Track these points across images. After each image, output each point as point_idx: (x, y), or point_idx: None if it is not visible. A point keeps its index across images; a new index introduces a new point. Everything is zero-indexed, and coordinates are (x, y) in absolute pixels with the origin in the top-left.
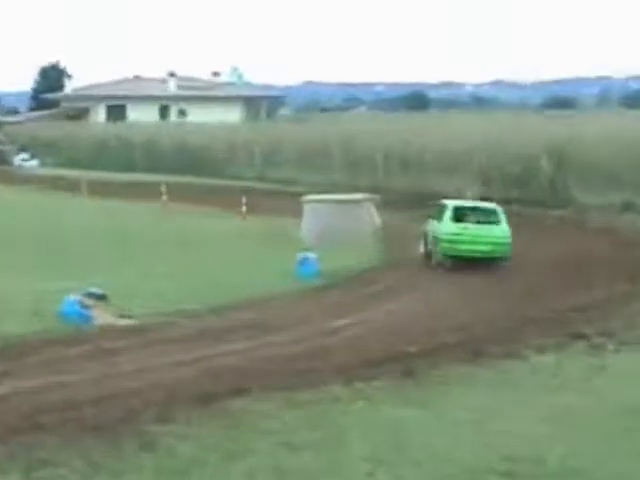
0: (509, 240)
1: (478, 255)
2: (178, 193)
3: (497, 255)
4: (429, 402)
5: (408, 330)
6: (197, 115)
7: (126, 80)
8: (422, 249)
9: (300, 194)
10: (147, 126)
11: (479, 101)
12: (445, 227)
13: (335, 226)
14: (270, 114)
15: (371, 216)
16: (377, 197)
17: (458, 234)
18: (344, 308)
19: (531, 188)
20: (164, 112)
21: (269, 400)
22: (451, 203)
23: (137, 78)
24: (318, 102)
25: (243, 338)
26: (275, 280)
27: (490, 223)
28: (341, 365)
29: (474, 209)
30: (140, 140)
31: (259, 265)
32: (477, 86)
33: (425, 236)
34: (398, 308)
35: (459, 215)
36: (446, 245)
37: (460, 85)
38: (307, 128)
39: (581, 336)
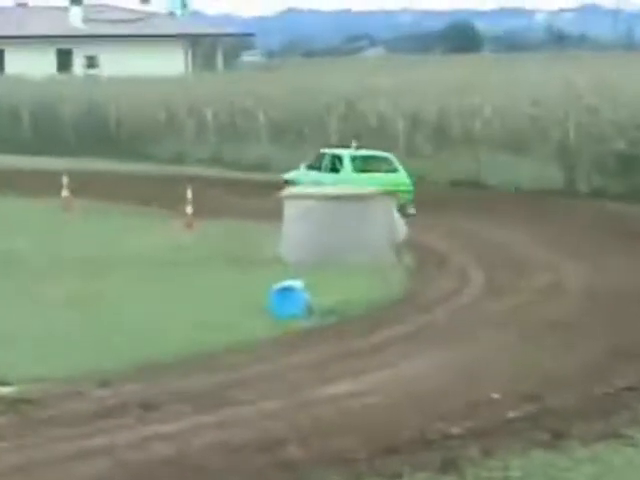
0: (412, 187)
1: None
2: (87, 185)
3: (403, 203)
4: None
5: (445, 399)
6: (116, 65)
7: (5, 10)
8: None
9: (277, 185)
10: (38, 82)
11: (558, 37)
12: (349, 177)
13: (333, 236)
14: (230, 61)
15: (390, 219)
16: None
17: (365, 184)
18: (347, 365)
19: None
20: (64, 60)
21: None
22: (345, 152)
23: (22, 7)
24: (304, 42)
25: (185, 415)
26: (239, 322)
27: (388, 171)
28: (343, 453)
29: (368, 158)
30: (28, 104)
31: (214, 299)
32: (554, 14)
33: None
34: (429, 365)
35: (357, 165)
36: None
37: (529, 13)
38: (287, 82)
39: None
